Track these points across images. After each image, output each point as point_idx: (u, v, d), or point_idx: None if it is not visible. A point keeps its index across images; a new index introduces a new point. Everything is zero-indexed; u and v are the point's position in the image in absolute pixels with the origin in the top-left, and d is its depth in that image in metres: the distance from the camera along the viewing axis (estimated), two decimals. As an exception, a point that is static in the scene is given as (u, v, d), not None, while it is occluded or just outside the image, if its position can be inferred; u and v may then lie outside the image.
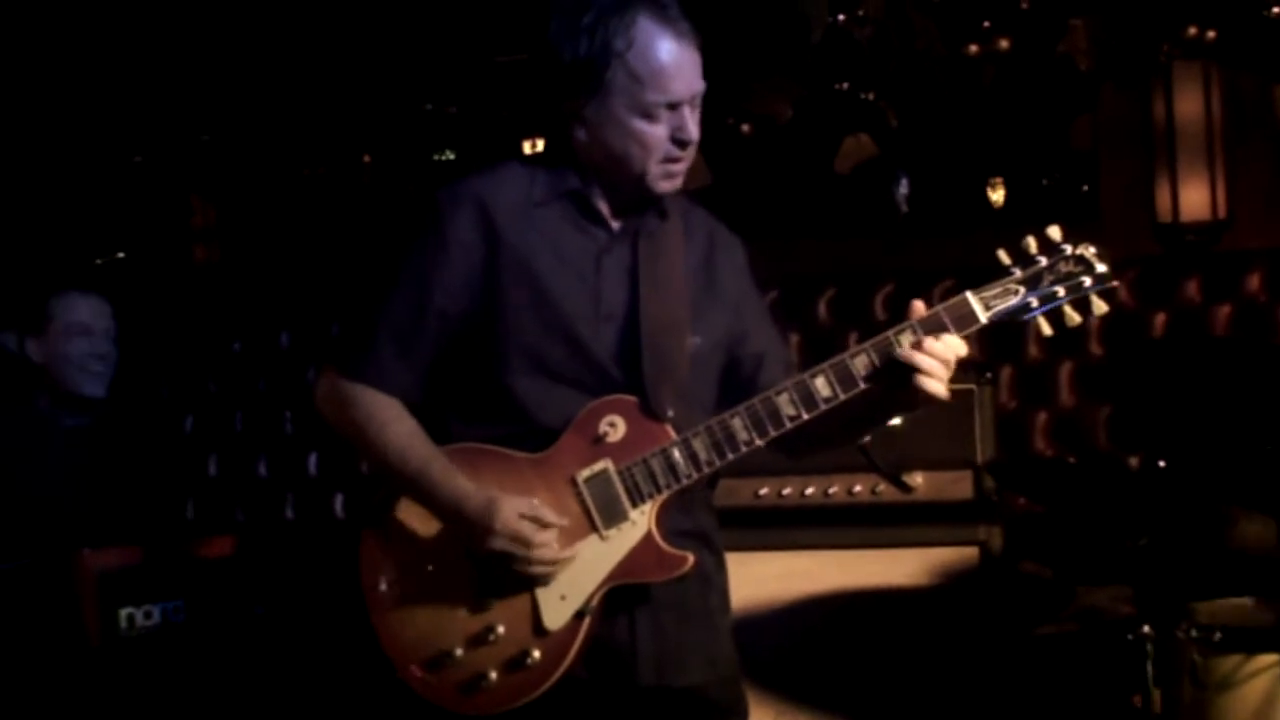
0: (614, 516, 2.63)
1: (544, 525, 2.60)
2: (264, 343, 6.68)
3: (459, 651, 2.63)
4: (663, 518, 2.65)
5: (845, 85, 6.66)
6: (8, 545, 3.91)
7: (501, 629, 2.63)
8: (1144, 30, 6.29)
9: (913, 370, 2.59)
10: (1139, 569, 3.78)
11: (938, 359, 2.59)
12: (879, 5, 6.44)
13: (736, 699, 2.84)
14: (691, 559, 2.66)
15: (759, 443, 2.65)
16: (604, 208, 2.72)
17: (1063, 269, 2.66)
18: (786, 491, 4.29)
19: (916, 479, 4.19)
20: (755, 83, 6.73)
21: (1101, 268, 2.66)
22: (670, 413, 2.64)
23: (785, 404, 2.63)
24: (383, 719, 2.81)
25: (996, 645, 4.19)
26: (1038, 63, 6.56)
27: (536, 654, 2.62)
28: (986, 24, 6.53)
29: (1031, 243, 2.67)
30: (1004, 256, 2.67)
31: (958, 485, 4.23)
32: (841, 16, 6.39)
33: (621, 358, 2.66)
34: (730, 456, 2.64)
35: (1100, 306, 2.67)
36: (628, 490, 2.63)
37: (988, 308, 2.65)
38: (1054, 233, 2.68)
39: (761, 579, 4.15)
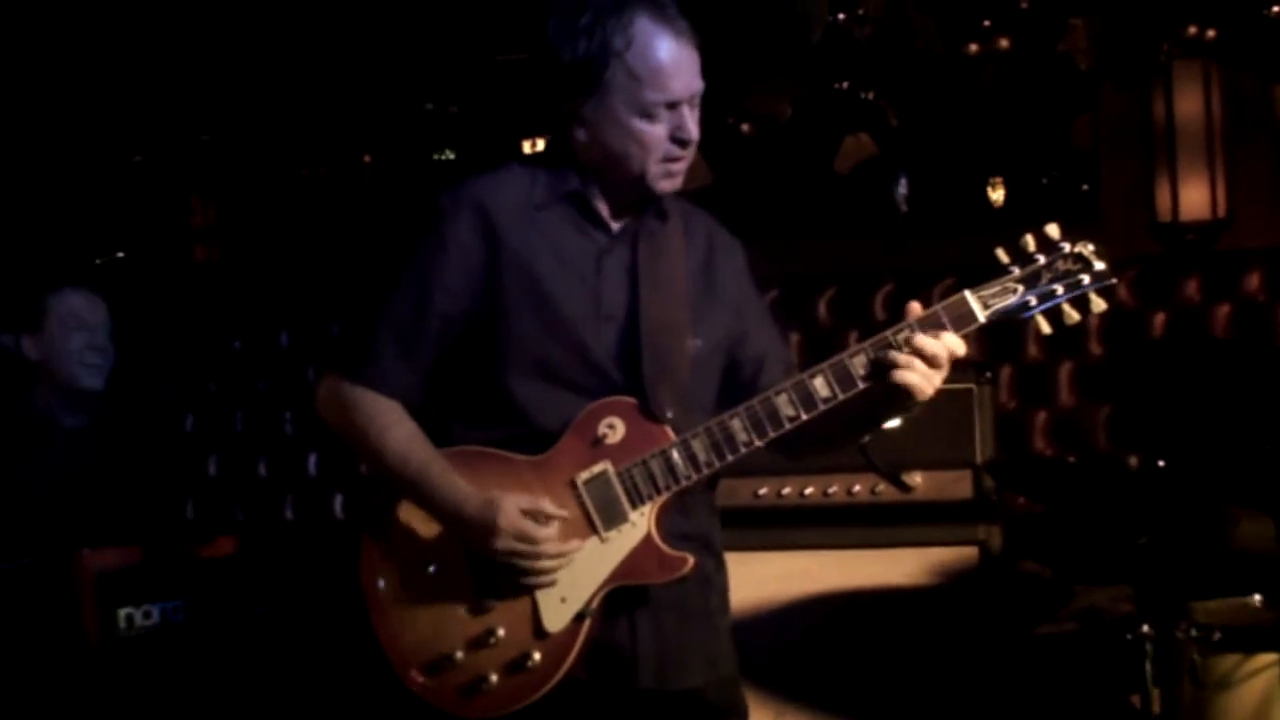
0: (614, 518, 2.63)
1: (546, 519, 2.60)
2: (264, 342, 6.69)
3: (459, 654, 2.63)
4: (662, 519, 2.65)
5: (845, 85, 6.66)
6: (7, 545, 3.91)
7: (502, 631, 2.63)
8: (1144, 29, 6.29)
9: (910, 367, 2.58)
10: (1138, 568, 3.78)
11: (935, 354, 2.59)
12: (879, 4, 6.44)
13: (736, 700, 2.83)
14: (691, 560, 2.66)
15: (758, 444, 2.64)
16: (604, 209, 2.72)
17: (1061, 267, 2.65)
18: (786, 491, 4.29)
19: (916, 479, 4.19)
20: (755, 82, 6.73)
21: (1100, 265, 2.66)
22: (670, 414, 2.64)
23: (784, 405, 2.63)
24: (383, 721, 2.81)
25: (996, 645, 4.19)
26: (1038, 62, 6.56)
27: (537, 656, 2.62)
28: (986, 23, 6.53)
29: (1030, 241, 2.67)
30: (1002, 255, 2.67)
31: (957, 485, 4.23)
32: (841, 16, 6.39)
33: (621, 359, 2.66)
34: (730, 458, 2.64)
35: (1099, 304, 2.66)
36: (627, 492, 2.63)
37: (986, 306, 2.65)
38: (1052, 231, 2.68)
39: (761, 579, 4.15)
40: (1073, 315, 2.66)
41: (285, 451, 6.48)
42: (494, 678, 2.62)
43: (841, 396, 2.62)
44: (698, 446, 2.63)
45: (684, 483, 2.64)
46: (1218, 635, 3.66)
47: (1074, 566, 4.82)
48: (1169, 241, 6.44)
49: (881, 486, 4.21)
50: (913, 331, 2.61)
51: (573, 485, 2.64)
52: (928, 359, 2.59)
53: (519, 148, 6.68)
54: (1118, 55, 6.36)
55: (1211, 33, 6.29)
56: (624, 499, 2.63)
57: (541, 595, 2.63)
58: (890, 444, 3.96)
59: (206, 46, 6.73)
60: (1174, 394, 4.17)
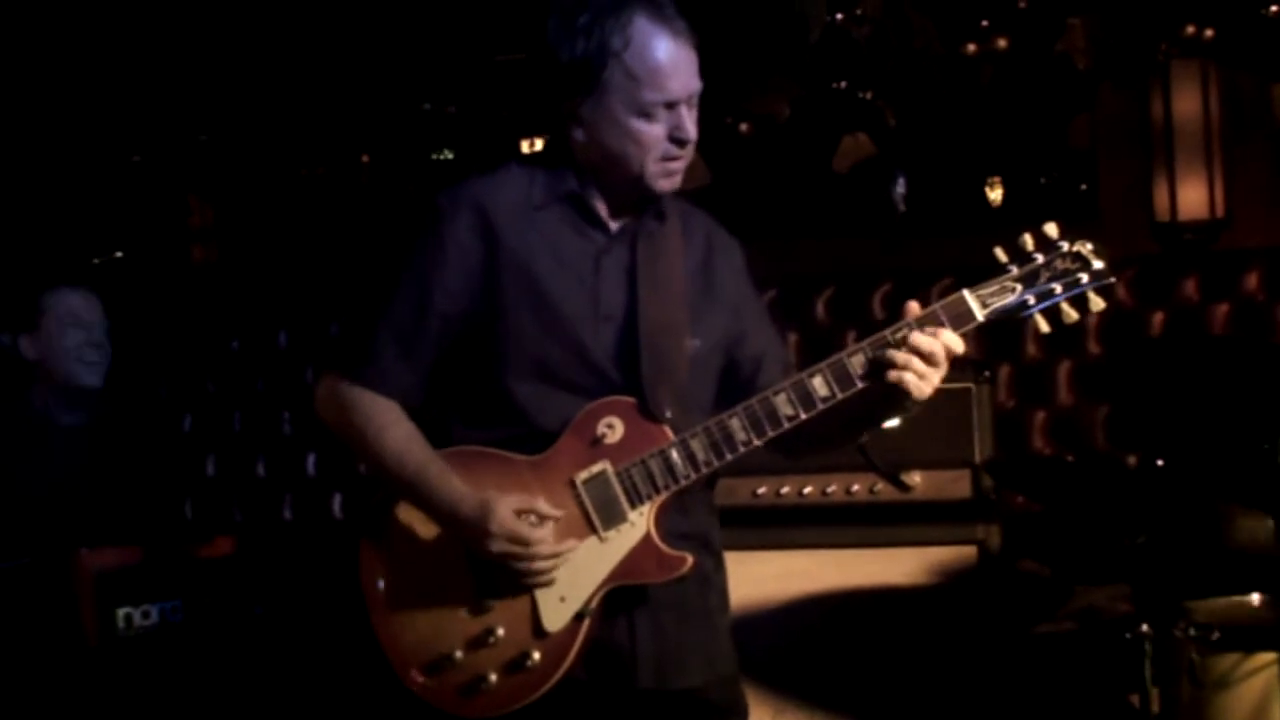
0: (613, 518, 2.63)
1: (541, 519, 2.60)
2: (262, 342, 6.69)
3: (459, 654, 2.63)
4: (661, 519, 2.65)
5: (843, 84, 6.66)
6: (5, 544, 3.91)
7: (501, 631, 2.63)
8: (1142, 29, 6.29)
9: (907, 365, 2.58)
10: (1137, 568, 3.78)
11: (933, 352, 2.59)
12: (877, 4, 6.44)
13: (736, 699, 2.83)
14: (690, 559, 2.66)
15: (757, 443, 2.64)
16: (602, 209, 2.72)
17: (1059, 266, 2.65)
18: (785, 491, 4.29)
19: (915, 478, 4.19)
20: (753, 82, 6.73)
21: (1098, 264, 2.66)
22: (668, 414, 2.64)
23: (783, 404, 2.63)
24: (382, 721, 2.81)
25: (995, 644, 4.19)
26: (1036, 62, 6.56)
27: (536, 655, 2.62)
28: (984, 23, 6.53)
29: (1028, 240, 2.67)
30: (1000, 254, 2.67)
31: (956, 484, 4.23)
32: (840, 16, 6.39)
33: (620, 359, 2.66)
34: (728, 457, 2.64)
35: (1097, 303, 2.66)
36: (626, 491, 2.63)
37: (985, 305, 2.64)
38: (1050, 230, 2.67)
39: (760, 578, 4.15)
40: (1071, 314, 2.66)
41: (284, 451, 6.48)
42: (493, 677, 2.62)
43: (840, 396, 2.62)
44: (696, 446, 2.63)
45: (683, 482, 2.64)
46: (1216, 634, 3.67)
47: (1073, 566, 4.82)
48: (1167, 241, 6.44)
49: (880, 486, 4.21)
50: (911, 331, 2.61)
51: (571, 485, 2.64)
52: (926, 357, 2.59)
53: (517, 148, 6.68)
54: (1116, 55, 6.36)
55: (1209, 32, 6.29)
56: (623, 498, 2.63)
57: (541, 595, 2.63)
58: (889, 443, 3.96)
59: (205, 46, 6.73)
60: (1172, 394, 4.17)
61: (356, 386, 2.68)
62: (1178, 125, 6.38)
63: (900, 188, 6.66)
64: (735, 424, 2.63)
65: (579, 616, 2.63)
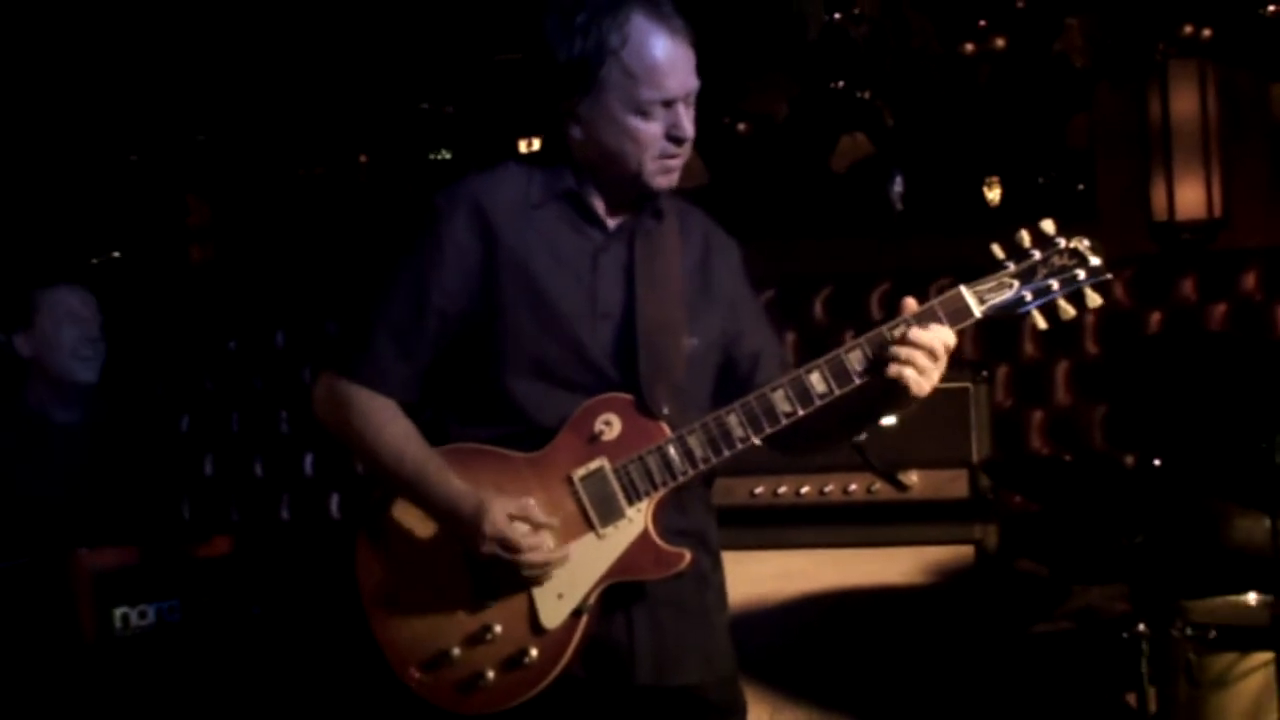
0: (610, 514, 2.64)
1: (535, 526, 2.60)
2: (260, 342, 6.68)
3: (456, 651, 2.63)
4: (659, 515, 2.65)
5: (841, 84, 6.66)
6: (2, 544, 3.91)
7: (499, 628, 2.63)
8: (1140, 29, 6.29)
9: (905, 360, 2.58)
10: (1134, 567, 3.78)
11: (931, 347, 2.59)
12: (875, 4, 6.43)
13: (734, 698, 2.83)
14: (688, 556, 2.66)
15: (755, 439, 2.65)
16: (600, 207, 2.72)
17: (1056, 262, 2.65)
18: (782, 490, 4.29)
19: (912, 478, 4.20)
20: (751, 82, 6.73)
21: (1095, 260, 2.66)
22: (666, 410, 2.64)
23: (780, 400, 2.63)
24: (380, 719, 2.81)
25: (992, 643, 4.19)
26: (1033, 61, 6.56)
27: (534, 652, 2.62)
28: (982, 23, 6.53)
29: (1025, 236, 2.67)
30: (998, 250, 2.67)
31: (953, 484, 4.24)
32: (837, 15, 6.39)
33: (618, 357, 2.66)
34: (726, 453, 2.64)
35: (1094, 299, 2.66)
36: (624, 488, 2.63)
37: (982, 301, 2.64)
38: (1047, 226, 2.67)
39: (757, 578, 4.15)
40: (1068, 310, 2.66)
41: (281, 451, 6.48)
42: (491, 674, 2.62)
43: (838, 392, 2.62)
44: (694, 442, 2.63)
45: (680, 479, 2.64)
46: (1213, 634, 3.67)
47: (1070, 565, 4.82)
48: (1165, 241, 6.45)
49: (878, 485, 4.21)
50: (908, 327, 2.61)
51: (569, 482, 2.64)
52: (928, 353, 2.59)
53: (515, 147, 6.68)
54: (1113, 54, 6.36)
55: (1207, 32, 6.29)
56: (620, 495, 2.63)
57: (538, 592, 2.63)
58: (887, 443, 3.97)
59: (203, 46, 6.73)
60: (1170, 393, 4.17)
61: (354, 385, 2.68)
62: (1175, 125, 6.38)
63: (898, 187, 6.66)
64: (733, 420, 2.63)
65: (577, 613, 2.63)
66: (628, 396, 2.65)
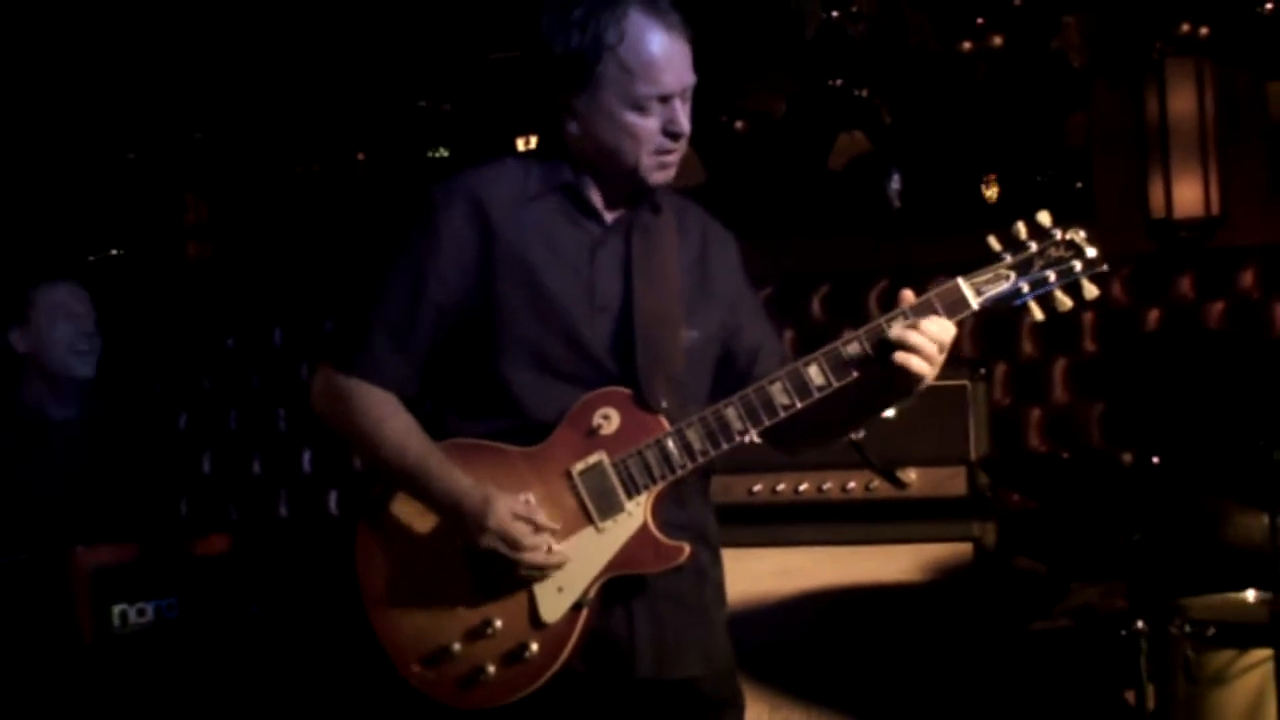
0: (609, 508, 2.63)
1: (537, 528, 2.60)
2: (257, 339, 6.68)
3: (457, 646, 2.63)
4: (658, 509, 2.65)
5: (839, 82, 6.67)
6: (1, 541, 3.90)
7: (499, 622, 2.63)
8: (1137, 27, 6.30)
9: (903, 350, 2.58)
10: (1132, 565, 3.78)
11: (926, 337, 2.59)
12: (872, 2, 6.44)
13: (733, 693, 2.83)
14: (688, 549, 2.66)
15: (753, 432, 2.64)
16: (597, 200, 2.72)
17: (1053, 254, 2.66)
18: (780, 488, 4.29)
19: (910, 475, 4.20)
20: (749, 80, 6.74)
21: (1091, 252, 2.66)
22: (664, 404, 2.64)
23: (779, 393, 2.63)
24: (381, 715, 2.81)
25: (990, 641, 4.19)
26: (1031, 60, 6.57)
27: (534, 647, 2.62)
28: (980, 21, 6.54)
29: (1021, 228, 2.67)
30: (994, 242, 2.67)
31: (952, 481, 4.24)
32: (835, 13, 6.39)
33: (616, 350, 2.66)
34: (725, 446, 2.64)
35: (1091, 291, 2.66)
36: (623, 482, 2.63)
37: (979, 293, 2.65)
38: (1044, 218, 2.68)
39: (756, 575, 4.15)
40: (1065, 302, 2.66)
41: (279, 448, 6.48)
42: (492, 669, 2.62)
43: (836, 384, 2.62)
44: (693, 436, 2.63)
45: (679, 472, 2.64)
46: (1211, 631, 3.67)
47: (1068, 563, 4.82)
48: (1163, 239, 6.45)
49: (876, 483, 4.21)
50: (906, 318, 2.61)
51: (568, 476, 2.64)
52: (927, 341, 2.59)
53: (512, 145, 6.67)
54: (1111, 53, 6.36)
55: (1204, 30, 6.30)
56: (619, 489, 2.63)
57: (538, 586, 2.62)
58: (885, 440, 3.97)
59: (200, 44, 6.73)
60: (1167, 391, 4.17)
61: (352, 378, 2.68)
62: (1173, 123, 6.39)
63: (896, 185, 6.65)
64: (731, 413, 2.63)
65: (577, 607, 2.63)
66: (626, 390, 2.65)
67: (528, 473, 2.64)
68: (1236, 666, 3.64)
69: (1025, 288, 2.65)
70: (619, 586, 2.65)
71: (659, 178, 2.68)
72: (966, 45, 6.56)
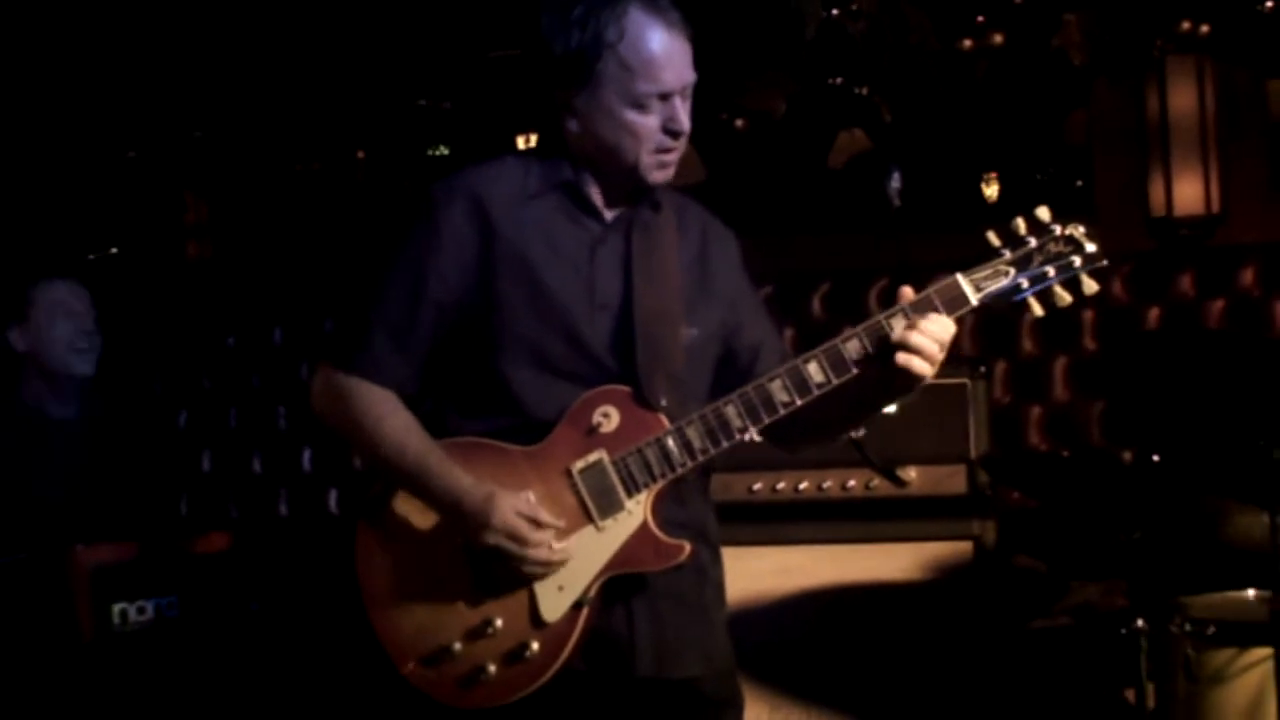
0: (609, 507, 2.63)
1: (541, 525, 2.60)
2: (257, 338, 6.68)
3: (457, 645, 2.63)
4: (659, 507, 2.65)
5: (839, 80, 6.66)
6: (1, 540, 3.90)
7: (500, 622, 2.62)
8: (1137, 25, 6.30)
9: (904, 351, 2.58)
10: (1132, 563, 3.78)
11: (928, 337, 2.59)
12: (873, 0, 6.44)
13: (733, 692, 2.83)
14: (688, 547, 2.66)
15: (753, 429, 2.64)
16: (597, 198, 2.72)
17: (1052, 249, 2.66)
18: (780, 486, 4.29)
19: (910, 473, 4.20)
20: (749, 78, 6.73)
21: (1091, 247, 2.66)
22: (664, 402, 2.64)
23: (778, 390, 2.63)
24: (381, 714, 2.80)
25: (990, 639, 4.19)
26: (1031, 57, 6.57)
27: (535, 646, 2.62)
28: (980, 19, 6.54)
29: (1021, 224, 2.67)
30: (993, 238, 2.67)
31: (951, 480, 4.24)
32: (835, 11, 6.39)
33: (616, 348, 2.66)
34: (725, 444, 2.63)
35: (1091, 286, 2.66)
36: (623, 480, 2.63)
37: (978, 289, 2.65)
38: (1043, 214, 2.68)
39: (756, 574, 4.15)
40: (1064, 297, 2.66)
41: (279, 447, 6.48)
42: (492, 668, 2.62)
43: (835, 382, 2.62)
44: (693, 434, 2.63)
45: (679, 470, 2.64)
46: (1212, 630, 3.67)
47: (1068, 561, 4.83)
48: (1163, 237, 6.45)
49: (876, 481, 4.22)
50: (906, 315, 2.61)
51: (568, 474, 2.63)
52: (926, 340, 2.59)
53: (512, 143, 6.67)
54: (1111, 51, 6.36)
55: (1205, 28, 6.30)
56: (619, 487, 2.63)
57: (539, 585, 2.62)
58: (885, 439, 3.98)
59: (200, 43, 6.73)
60: (1168, 389, 4.17)
61: (352, 377, 2.68)
62: (1173, 121, 6.39)
63: (896, 183, 6.65)
64: (731, 411, 2.63)
65: (577, 605, 2.62)
66: (625, 388, 2.64)
67: (528, 471, 2.64)
68: (1236, 665, 3.64)
69: (1025, 283, 2.65)
70: (619, 585, 2.64)
71: (658, 177, 2.68)
72: (967, 43, 6.56)
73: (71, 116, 6.91)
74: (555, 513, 2.63)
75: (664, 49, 2.62)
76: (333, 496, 6.36)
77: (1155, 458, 3.82)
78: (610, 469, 2.63)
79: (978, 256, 2.68)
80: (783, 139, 7.06)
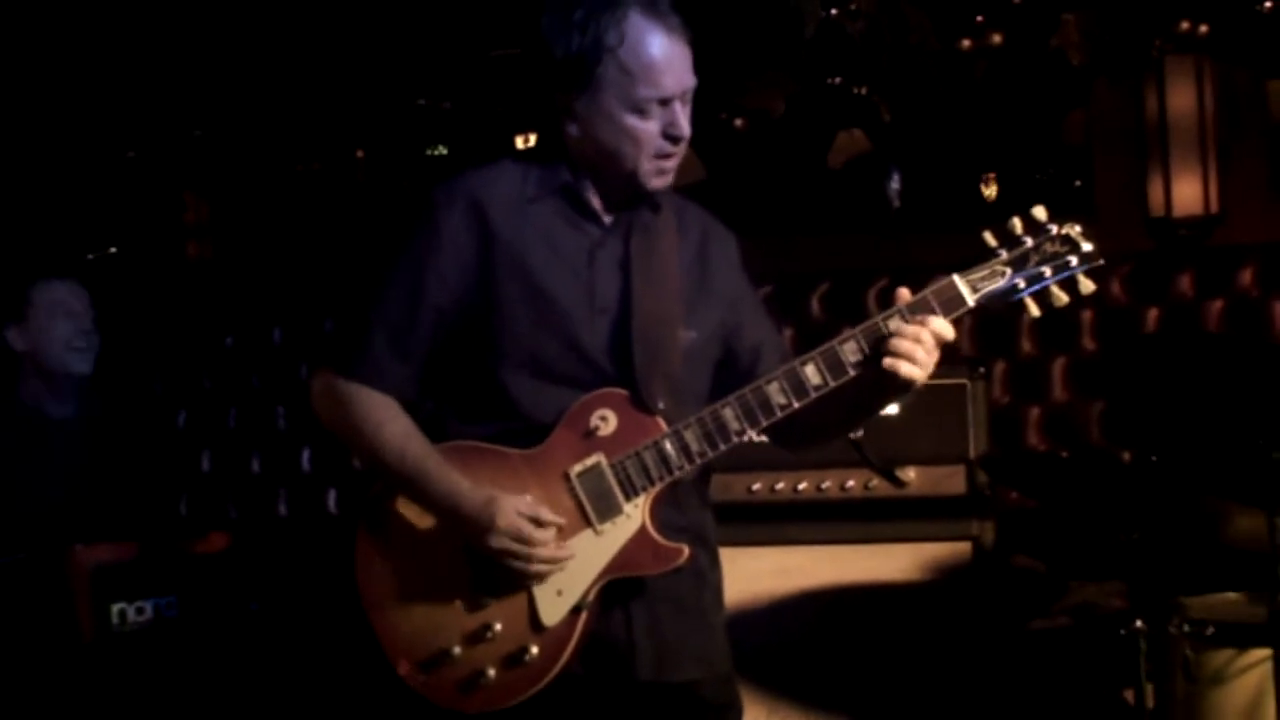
0: (608, 510, 2.63)
1: (543, 524, 2.60)
2: (257, 338, 6.68)
3: (457, 649, 2.63)
4: (657, 511, 2.65)
5: (838, 80, 6.66)
6: (0, 541, 3.91)
7: (499, 626, 2.63)
8: (1136, 25, 6.29)
9: (890, 356, 2.58)
10: (1131, 564, 3.78)
11: (913, 340, 2.59)
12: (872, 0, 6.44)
13: (731, 697, 2.83)
14: (686, 550, 2.66)
15: (750, 432, 2.64)
16: (596, 202, 2.72)
17: (1049, 249, 2.65)
18: (779, 487, 4.29)
19: (909, 474, 4.19)
20: (748, 78, 6.73)
21: (1087, 246, 2.66)
22: (661, 405, 2.64)
23: (776, 393, 2.63)
24: (380, 717, 2.81)
25: (989, 640, 4.19)
26: (1030, 57, 6.57)
27: (534, 650, 2.62)
28: (979, 18, 6.53)
29: (1017, 224, 2.67)
30: (990, 238, 2.67)
31: (950, 480, 4.24)
32: (834, 11, 6.39)
33: (614, 352, 2.66)
34: (722, 447, 2.64)
35: (1087, 285, 2.66)
36: (620, 484, 2.63)
37: (975, 290, 2.65)
38: (1039, 213, 2.68)
39: (755, 574, 4.15)
40: (1061, 297, 2.66)
41: (278, 447, 6.48)
42: (492, 672, 2.62)
43: (832, 384, 2.62)
44: (690, 437, 2.63)
45: (677, 473, 2.64)
46: (1211, 630, 3.67)
47: (1067, 562, 4.83)
48: (1162, 237, 6.45)
49: (875, 481, 4.21)
50: (902, 317, 2.61)
51: (566, 478, 2.64)
52: (916, 342, 2.59)
53: (512, 143, 6.68)
54: (1110, 50, 6.36)
55: (1204, 28, 6.30)
56: (617, 491, 2.63)
57: (538, 589, 2.62)
58: (884, 439, 3.97)
59: (200, 42, 6.73)
60: (1167, 389, 4.17)
61: (352, 383, 2.68)
62: (1172, 121, 6.39)
63: (895, 183, 6.67)
64: (728, 414, 2.63)
65: (576, 610, 2.63)
66: (623, 392, 2.64)
67: (526, 475, 2.64)
68: (1235, 666, 3.65)
69: (1021, 283, 2.65)
70: (618, 589, 2.65)
71: (657, 183, 2.68)
72: (966, 43, 6.56)
73: (71, 116, 6.92)
74: (562, 519, 2.63)
75: (664, 54, 2.62)
76: (332, 497, 6.36)
77: (1154, 458, 3.82)
78: (608, 472, 2.63)
79: (977, 257, 2.68)
80: (782, 139, 7.06)
